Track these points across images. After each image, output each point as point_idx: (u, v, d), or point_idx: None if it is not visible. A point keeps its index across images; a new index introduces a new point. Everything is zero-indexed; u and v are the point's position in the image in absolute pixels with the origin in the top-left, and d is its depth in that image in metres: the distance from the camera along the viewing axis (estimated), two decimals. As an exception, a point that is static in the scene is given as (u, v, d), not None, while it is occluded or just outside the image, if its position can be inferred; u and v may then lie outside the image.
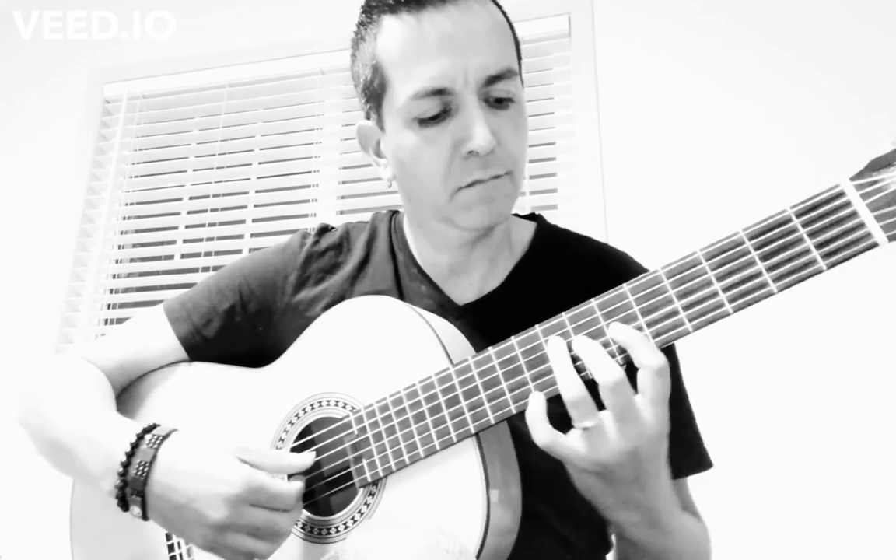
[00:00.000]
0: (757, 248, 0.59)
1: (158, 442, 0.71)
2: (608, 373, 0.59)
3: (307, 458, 0.73)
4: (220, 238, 2.11)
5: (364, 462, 0.71)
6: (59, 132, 2.26)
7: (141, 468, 0.70)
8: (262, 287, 0.90)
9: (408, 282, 0.87)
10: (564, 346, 0.62)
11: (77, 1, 2.35)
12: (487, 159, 0.74)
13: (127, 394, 0.90)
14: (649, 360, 0.59)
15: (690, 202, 1.70)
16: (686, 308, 0.60)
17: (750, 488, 1.47)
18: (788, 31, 1.77)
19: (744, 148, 1.72)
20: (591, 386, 0.60)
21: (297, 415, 0.77)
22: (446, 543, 0.60)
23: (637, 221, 1.73)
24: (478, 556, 0.63)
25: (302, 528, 0.74)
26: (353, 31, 0.83)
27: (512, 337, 0.66)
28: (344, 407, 0.74)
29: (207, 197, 2.14)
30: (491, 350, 0.67)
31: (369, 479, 0.70)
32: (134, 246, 2.21)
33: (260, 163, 2.15)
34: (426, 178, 0.77)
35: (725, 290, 0.59)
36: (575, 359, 0.62)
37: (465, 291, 0.86)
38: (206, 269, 2.05)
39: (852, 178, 0.57)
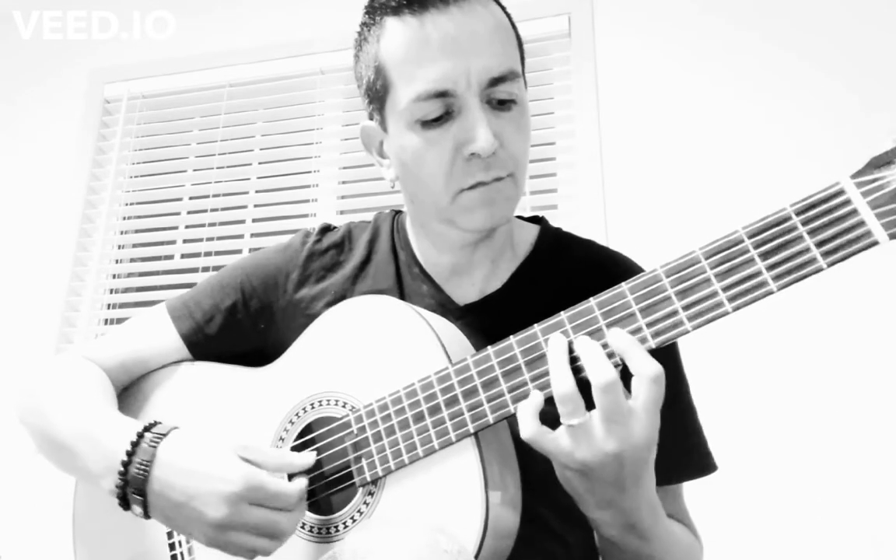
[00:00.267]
0: (756, 247, 0.58)
1: (159, 440, 0.71)
2: (602, 373, 0.59)
3: (308, 457, 0.73)
4: (220, 238, 2.11)
5: (364, 462, 0.71)
6: (59, 132, 2.26)
7: (141, 466, 0.69)
8: (264, 284, 0.90)
9: (409, 281, 0.88)
10: (565, 344, 0.62)
11: (77, 1, 2.35)
12: (489, 161, 0.74)
13: (129, 393, 0.90)
14: (644, 366, 0.59)
15: (690, 202, 1.70)
16: (685, 307, 0.60)
17: (751, 488, 1.46)
18: (788, 31, 1.77)
19: (744, 147, 1.71)
20: (586, 388, 0.60)
21: (297, 414, 0.77)
22: (445, 543, 0.60)
23: (637, 221, 1.73)
24: (477, 556, 0.63)
25: (301, 527, 0.74)
26: (356, 32, 0.83)
27: (511, 336, 0.66)
28: (344, 406, 0.74)
29: (207, 197, 2.14)
30: (490, 350, 0.67)
31: (368, 479, 0.70)
32: (134, 246, 2.21)
33: (260, 163, 2.15)
34: (428, 179, 0.77)
35: (725, 289, 0.59)
36: (574, 358, 0.62)
37: (466, 292, 0.86)
38: (206, 269, 2.05)
39: (852, 176, 0.57)
